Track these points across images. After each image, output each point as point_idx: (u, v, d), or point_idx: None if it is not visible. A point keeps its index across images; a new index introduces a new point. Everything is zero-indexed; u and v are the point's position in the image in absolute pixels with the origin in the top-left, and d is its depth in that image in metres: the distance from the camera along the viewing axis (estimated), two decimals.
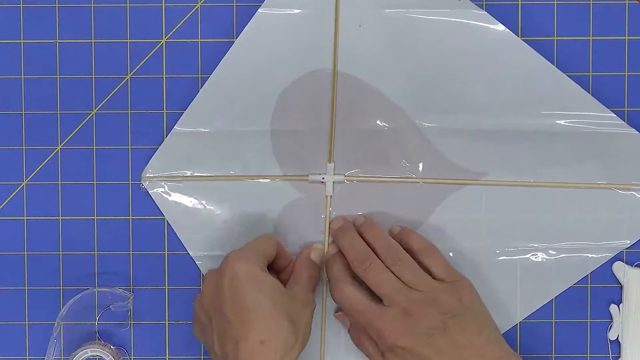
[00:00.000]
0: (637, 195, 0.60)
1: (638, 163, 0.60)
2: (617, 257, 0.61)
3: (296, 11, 0.60)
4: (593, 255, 0.60)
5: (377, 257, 0.57)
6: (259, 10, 0.60)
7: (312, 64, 0.61)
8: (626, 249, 0.61)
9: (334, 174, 0.61)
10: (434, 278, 0.56)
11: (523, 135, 0.60)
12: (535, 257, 0.60)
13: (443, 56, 0.60)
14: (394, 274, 0.55)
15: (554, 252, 0.60)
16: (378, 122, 0.61)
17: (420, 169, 0.61)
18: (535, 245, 0.60)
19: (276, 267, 0.59)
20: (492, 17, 0.60)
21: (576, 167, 0.60)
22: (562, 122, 0.60)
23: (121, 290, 0.61)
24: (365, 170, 0.61)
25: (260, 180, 0.61)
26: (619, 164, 0.60)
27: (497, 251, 0.60)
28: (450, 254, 0.60)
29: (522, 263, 0.60)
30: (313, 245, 0.60)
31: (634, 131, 0.60)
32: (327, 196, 0.61)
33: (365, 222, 0.59)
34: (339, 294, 0.56)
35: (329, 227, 0.61)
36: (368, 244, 0.58)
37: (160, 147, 0.61)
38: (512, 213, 0.60)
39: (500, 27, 0.60)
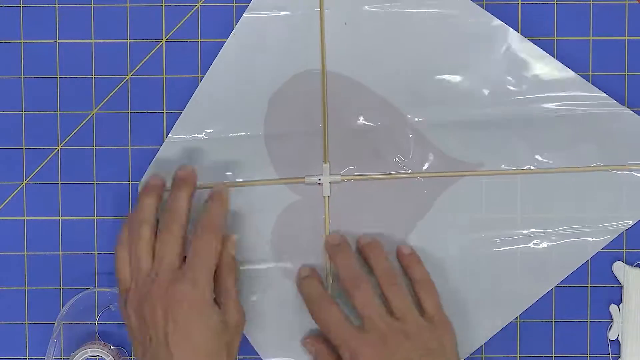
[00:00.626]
0: (635, 174, 0.60)
1: (632, 142, 0.60)
2: (617, 257, 0.61)
3: (281, 13, 0.60)
4: (594, 239, 0.60)
5: (376, 277, 0.56)
6: (244, 15, 0.60)
7: (301, 66, 0.61)
8: (626, 249, 0.61)
9: (330, 174, 0.61)
10: (422, 313, 0.56)
11: (516, 123, 0.60)
12: (536, 245, 0.60)
13: (429, 48, 0.60)
14: (385, 296, 0.55)
15: (554, 238, 0.60)
16: (370, 119, 0.61)
17: (416, 163, 0.61)
18: (535, 232, 0.60)
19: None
20: (476, 5, 0.60)
21: (571, 151, 0.60)
22: (553, 106, 0.60)
23: None
24: (361, 169, 0.61)
25: (257, 185, 0.61)
26: (614, 144, 0.60)
27: (498, 241, 0.60)
28: (450, 249, 0.60)
29: (523, 251, 0.60)
30: (231, 237, 0.57)
31: (626, 110, 0.60)
32: (324, 197, 0.61)
33: (372, 242, 0.59)
34: (321, 312, 0.56)
35: (327, 242, 0.60)
36: (368, 263, 0.58)
37: (155, 158, 0.61)
38: (511, 201, 0.60)
39: (485, 14, 0.60)
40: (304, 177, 0.61)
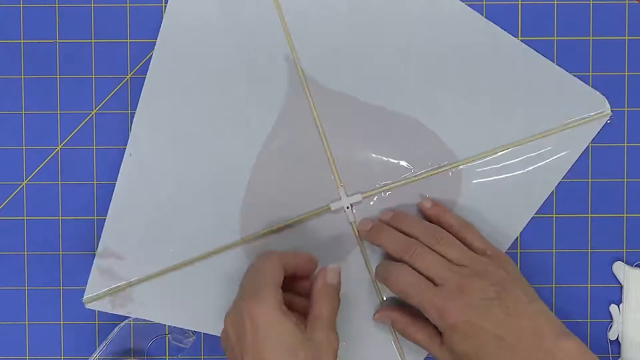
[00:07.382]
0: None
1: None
2: (617, 257, 0.61)
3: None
4: None
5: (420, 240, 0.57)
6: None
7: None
8: (626, 249, 0.61)
9: (348, 195, 0.60)
10: (476, 252, 0.57)
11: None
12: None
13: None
14: (439, 254, 0.56)
15: None
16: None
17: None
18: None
19: (297, 282, 0.58)
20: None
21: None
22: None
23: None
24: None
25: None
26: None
27: None
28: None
29: None
30: (328, 268, 0.57)
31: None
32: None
33: (396, 214, 0.59)
34: (397, 278, 0.56)
35: (361, 231, 0.60)
36: (406, 234, 0.58)
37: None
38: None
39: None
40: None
